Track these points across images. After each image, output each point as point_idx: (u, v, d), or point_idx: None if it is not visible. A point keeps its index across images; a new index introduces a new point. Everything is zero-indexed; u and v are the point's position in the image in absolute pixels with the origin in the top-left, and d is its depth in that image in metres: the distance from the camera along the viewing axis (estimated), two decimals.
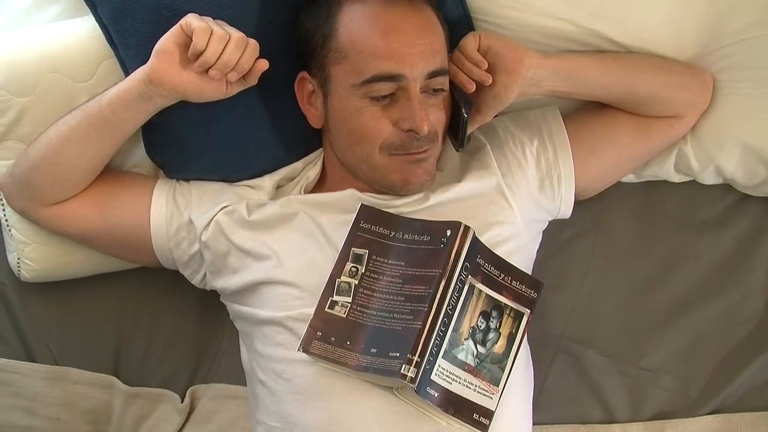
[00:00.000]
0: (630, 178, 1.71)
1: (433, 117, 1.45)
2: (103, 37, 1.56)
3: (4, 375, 1.70)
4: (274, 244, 1.48)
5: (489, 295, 1.39)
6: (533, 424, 1.52)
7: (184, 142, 1.57)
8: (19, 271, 1.68)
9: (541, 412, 1.59)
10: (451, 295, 1.34)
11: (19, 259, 1.67)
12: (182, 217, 1.56)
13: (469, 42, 1.47)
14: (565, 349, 1.67)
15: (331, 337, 1.36)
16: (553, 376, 1.66)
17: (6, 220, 1.66)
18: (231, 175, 1.60)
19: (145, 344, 1.73)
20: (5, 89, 1.58)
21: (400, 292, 1.37)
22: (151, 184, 1.59)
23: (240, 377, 1.60)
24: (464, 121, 1.47)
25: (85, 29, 1.60)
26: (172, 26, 1.44)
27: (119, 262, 1.70)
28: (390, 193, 1.51)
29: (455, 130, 1.50)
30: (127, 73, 1.55)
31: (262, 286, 1.48)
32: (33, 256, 1.66)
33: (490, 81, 1.45)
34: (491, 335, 1.39)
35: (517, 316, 1.41)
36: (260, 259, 1.48)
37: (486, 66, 1.45)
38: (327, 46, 1.45)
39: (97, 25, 1.56)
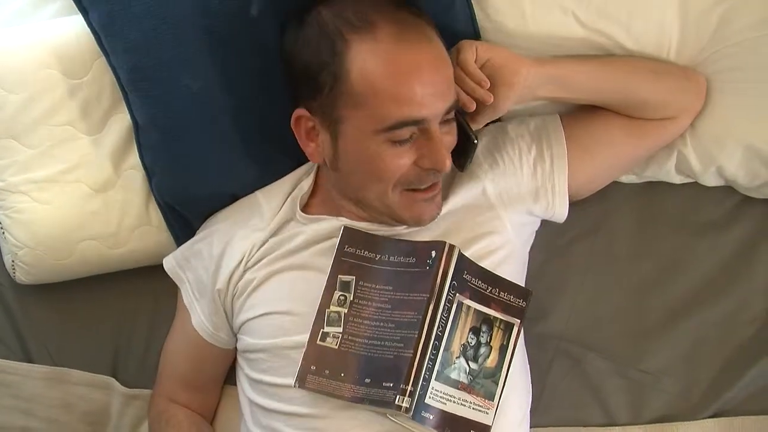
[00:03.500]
0: (631, 179, 1.73)
1: (447, 145, 1.45)
2: None
3: (2, 376, 1.72)
4: (266, 298, 1.52)
5: (477, 310, 1.41)
6: (532, 427, 1.56)
7: (176, 144, 1.59)
8: (14, 273, 1.71)
9: (541, 414, 1.63)
10: (441, 317, 1.37)
11: (13, 262, 1.69)
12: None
13: (468, 58, 1.47)
14: (564, 351, 1.69)
15: (325, 369, 1.40)
16: (552, 378, 1.68)
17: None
18: (219, 186, 1.62)
19: (144, 346, 1.75)
20: None
21: (389, 319, 1.40)
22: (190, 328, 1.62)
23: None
24: (474, 146, 1.49)
25: (81, 27, 1.61)
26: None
27: (113, 265, 1.72)
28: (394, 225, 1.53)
29: (459, 153, 1.50)
30: (118, 80, 1.58)
31: (250, 321, 1.53)
32: (26, 260, 1.67)
33: (492, 100, 1.46)
34: (482, 350, 1.41)
35: (507, 328, 1.43)
36: (253, 306, 1.53)
37: (488, 85, 1.46)
38: (338, 88, 1.39)
39: None
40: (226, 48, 1.54)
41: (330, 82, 1.39)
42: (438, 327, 1.36)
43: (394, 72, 1.37)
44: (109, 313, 1.77)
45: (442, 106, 1.40)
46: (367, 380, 1.36)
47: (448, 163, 1.41)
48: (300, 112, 1.46)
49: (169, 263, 1.63)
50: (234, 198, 1.62)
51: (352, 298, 1.43)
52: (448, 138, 1.45)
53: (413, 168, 1.43)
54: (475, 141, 1.48)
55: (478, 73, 1.46)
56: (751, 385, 1.65)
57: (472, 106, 1.46)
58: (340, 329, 1.41)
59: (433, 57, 1.40)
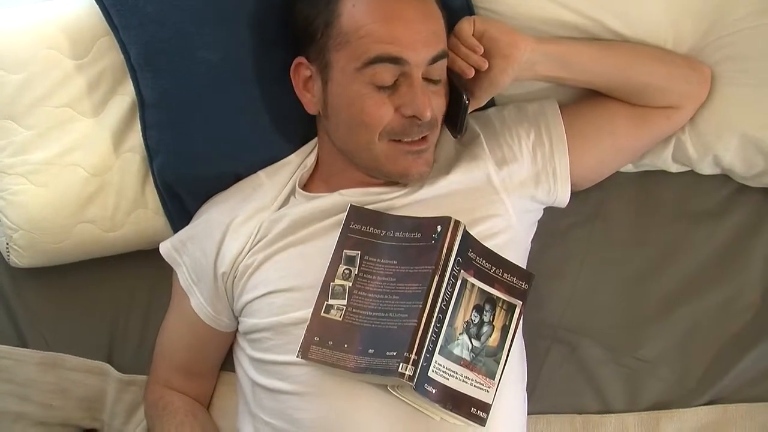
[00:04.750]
0: (628, 167, 1.75)
1: (434, 104, 1.49)
2: (100, 14, 1.59)
3: None
4: (267, 278, 1.53)
5: (481, 289, 1.43)
6: (529, 414, 1.57)
7: (186, 120, 1.61)
8: (8, 256, 1.70)
9: (537, 401, 1.64)
10: (445, 290, 1.39)
11: (7, 244, 1.68)
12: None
13: (464, 27, 1.51)
14: (561, 339, 1.71)
15: (328, 341, 1.41)
16: (549, 365, 1.70)
17: None
18: (225, 165, 1.64)
19: (140, 331, 1.76)
20: None
21: (394, 291, 1.42)
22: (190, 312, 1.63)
23: (233, 364, 1.64)
24: (465, 107, 1.51)
25: (82, 7, 1.64)
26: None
27: (109, 249, 1.72)
28: (386, 183, 1.55)
29: (453, 118, 1.54)
30: (126, 55, 1.59)
31: (252, 302, 1.54)
32: (21, 242, 1.67)
33: (487, 66, 1.49)
34: (485, 329, 1.43)
35: (510, 309, 1.45)
36: (255, 287, 1.54)
37: (482, 51, 1.50)
38: (328, 32, 1.48)
39: (92, 2, 1.59)
40: (246, 18, 1.57)
41: (322, 27, 1.48)
42: (442, 300, 1.39)
43: (380, 16, 1.45)
44: (105, 297, 1.77)
45: (425, 52, 1.46)
46: (371, 351, 1.38)
47: (429, 112, 1.46)
48: (298, 59, 1.53)
49: (165, 247, 1.64)
50: (237, 178, 1.64)
51: (356, 272, 1.45)
52: (437, 98, 1.50)
53: (398, 117, 1.47)
54: (467, 101, 1.50)
55: (471, 40, 1.50)
56: (746, 372, 1.68)
57: (471, 72, 1.49)
58: (345, 302, 1.43)
59: (420, 8, 1.48)
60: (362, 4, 1.46)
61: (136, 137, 1.66)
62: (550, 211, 1.66)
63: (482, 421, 1.41)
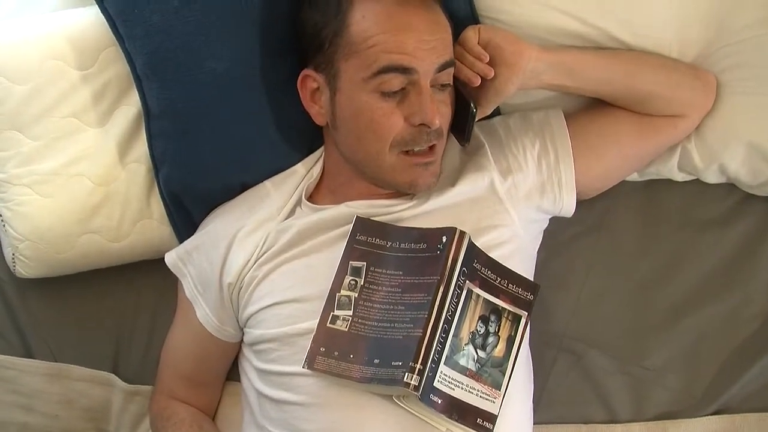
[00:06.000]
0: (633, 176, 1.75)
1: (441, 112, 1.50)
2: (105, 25, 1.60)
3: (3, 371, 1.73)
4: (273, 289, 1.53)
5: (487, 300, 1.44)
6: (535, 424, 1.57)
7: (192, 130, 1.61)
8: (14, 267, 1.71)
9: (543, 411, 1.64)
10: (450, 300, 1.40)
11: (14, 255, 1.70)
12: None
13: (470, 36, 1.52)
14: (567, 349, 1.71)
15: (334, 351, 1.42)
16: (555, 375, 1.70)
17: (0, 216, 1.69)
18: (231, 175, 1.64)
19: (145, 341, 1.76)
20: (4, 76, 1.62)
21: (399, 302, 1.42)
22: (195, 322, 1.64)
23: (239, 374, 1.65)
24: (473, 115, 1.52)
25: (87, 18, 1.65)
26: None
27: (114, 259, 1.73)
28: (392, 195, 1.56)
29: (460, 126, 1.55)
30: (132, 65, 1.60)
31: (258, 312, 1.54)
32: (27, 253, 1.68)
33: (493, 74, 1.50)
34: (491, 339, 1.43)
35: (515, 319, 1.46)
36: (261, 298, 1.54)
37: (488, 59, 1.50)
38: (337, 42, 1.48)
39: (98, 13, 1.60)
40: (252, 28, 1.57)
41: (331, 37, 1.49)
42: (448, 310, 1.39)
43: (389, 27, 1.46)
44: (110, 308, 1.78)
45: (433, 61, 1.47)
46: (376, 361, 1.39)
47: (437, 119, 1.47)
48: (306, 71, 1.54)
49: (170, 257, 1.65)
50: (243, 187, 1.64)
51: (362, 283, 1.46)
52: (443, 107, 1.51)
53: (407, 127, 1.48)
54: (474, 109, 1.51)
55: (477, 48, 1.51)
56: (754, 382, 1.67)
57: (477, 81, 1.50)
58: (350, 312, 1.44)
59: (428, 18, 1.48)
60: (372, 14, 1.47)
61: (141, 147, 1.67)
62: (555, 221, 1.66)
63: None
